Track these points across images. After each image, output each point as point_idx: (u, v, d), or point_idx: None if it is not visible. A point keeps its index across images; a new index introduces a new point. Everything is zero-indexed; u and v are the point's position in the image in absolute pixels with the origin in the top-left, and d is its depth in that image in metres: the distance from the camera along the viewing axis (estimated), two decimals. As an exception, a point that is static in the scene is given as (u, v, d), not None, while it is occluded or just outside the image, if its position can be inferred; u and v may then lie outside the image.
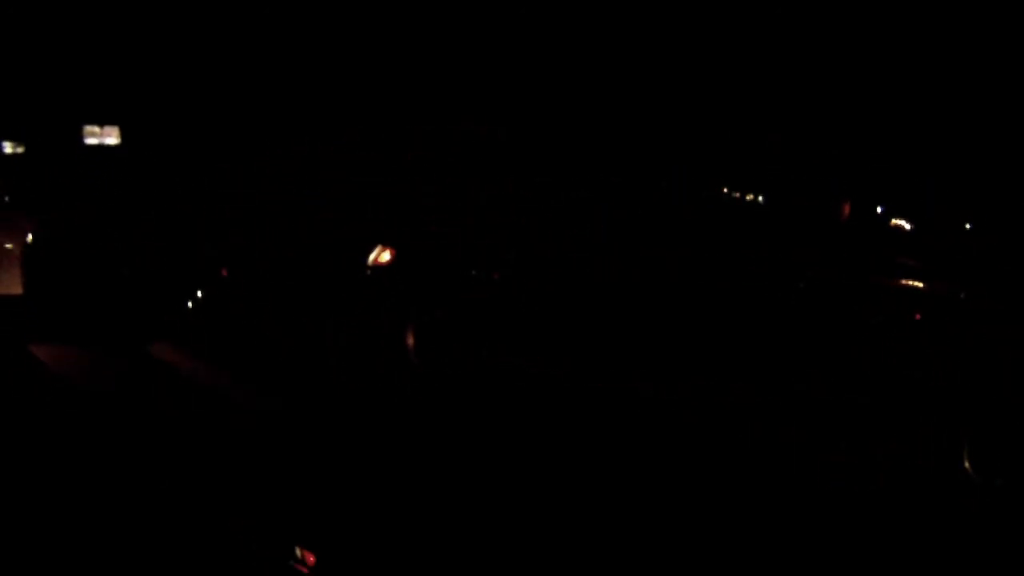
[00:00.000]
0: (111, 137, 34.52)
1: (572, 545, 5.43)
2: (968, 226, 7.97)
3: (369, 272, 10.00)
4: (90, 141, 34.04)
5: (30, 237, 13.28)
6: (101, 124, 35.27)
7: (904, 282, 7.53)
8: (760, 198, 8.96)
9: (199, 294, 11.91)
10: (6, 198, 34.46)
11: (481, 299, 9.28)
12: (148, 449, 7.10)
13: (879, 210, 8.37)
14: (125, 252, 12.26)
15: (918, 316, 7.12)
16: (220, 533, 5.36)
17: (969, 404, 6.32)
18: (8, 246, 16.30)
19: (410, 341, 9.52)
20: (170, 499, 5.79)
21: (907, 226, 7.88)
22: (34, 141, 39.11)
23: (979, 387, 6.36)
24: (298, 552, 5.24)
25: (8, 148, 48.88)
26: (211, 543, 5.22)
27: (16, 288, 13.45)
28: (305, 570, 5.12)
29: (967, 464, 6.13)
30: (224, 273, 11.94)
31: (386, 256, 9.93)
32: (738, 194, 9.14)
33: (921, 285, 7.46)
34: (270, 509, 5.74)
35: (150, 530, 5.39)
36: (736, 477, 6.48)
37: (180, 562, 5.01)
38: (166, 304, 11.91)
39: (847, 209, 8.07)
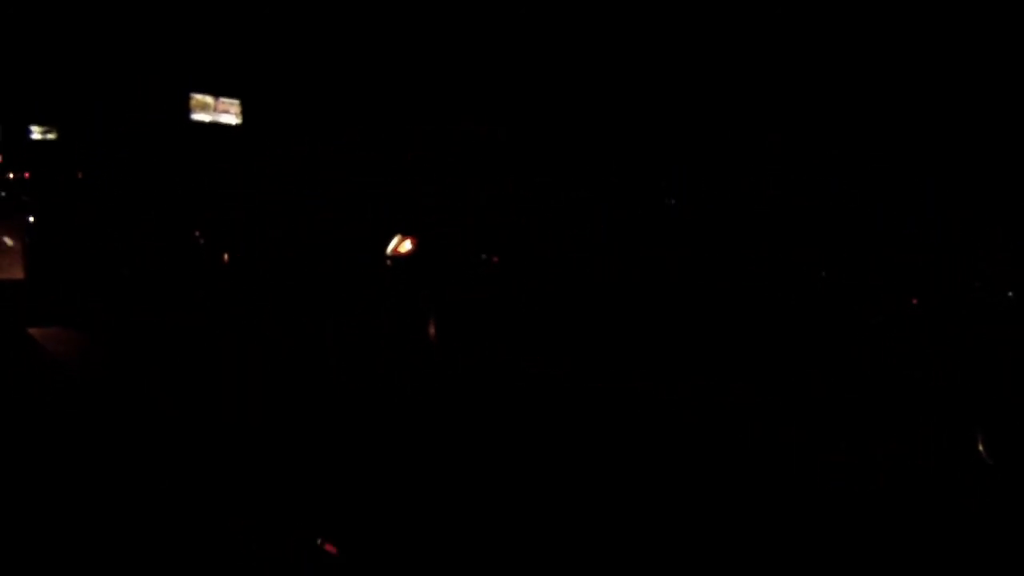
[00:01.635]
0: (228, 114, 31.33)
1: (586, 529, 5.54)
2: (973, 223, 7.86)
3: (389, 262, 10.22)
4: (199, 117, 30.80)
5: (31, 219, 13.93)
6: (216, 94, 31.55)
7: (914, 277, 7.53)
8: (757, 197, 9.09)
9: (197, 279, 12.42)
10: (2, 193, 32.85)
11: (492, 285, 9.52)
12: (142, 438, 7.22)
13: None
14: (123, 240, 12.85)
15: (915, 301, 7.25)
16: (220, 533, 5.31)
17: (983, 393, 6.50)
18: (8, 242, 17.46)
19: (431, 329, 9.70)
20: (170, 498, 5.78)
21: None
22: (73, 124, 36.34)
23: (992, 377, 6.51)
24: (319, 542, 5.33)
25: (36, 134, 45.30)
26: (211, 543, 5.17)
27: (17, 273, 14.17)
28: (334, 551, 5.27)
29: (981, 448, 6.31)
30: (225, 259, 12.41)
31: (407, 245, 10.11)
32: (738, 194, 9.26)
33: (931, 279, 7.46)
34: (271, 509, 5.68)
35: (149, 524, 5.39)
36: (741, 477, 6.51)
37: (180, 562, 4.96)
38: (166, 288, 12.46)
39: None
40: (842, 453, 6.78)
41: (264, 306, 11.85)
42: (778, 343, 7.92)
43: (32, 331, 10.75)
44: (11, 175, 42.03)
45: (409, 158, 12.80)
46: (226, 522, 5.42)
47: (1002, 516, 5.79)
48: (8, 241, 18.51)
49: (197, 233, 12.65)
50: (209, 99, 30.77)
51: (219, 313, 11.98)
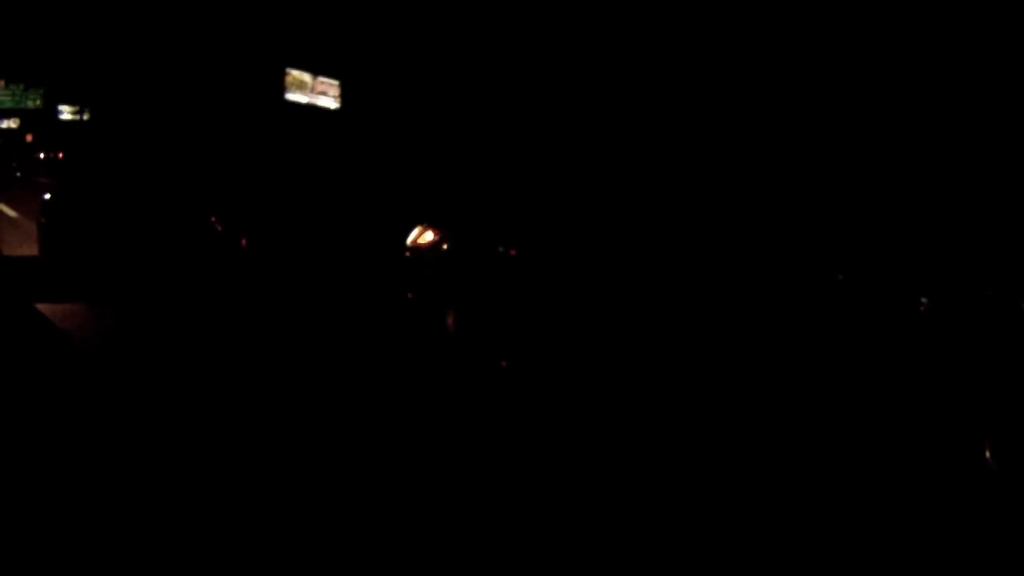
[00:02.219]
0: (327, 96, 28.40)
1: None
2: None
3: (409, 253, 10.32)
4: (295, 98, 27.85)
5: (47, 196, 14.26)
6: (315, 71, 28.43)
7: (920, 279, 7.61)
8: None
9: (208, 260, 12.54)
10: (18, 173, 34.08)
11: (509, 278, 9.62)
12: (141, 427, 7.30)
13: None
14: (137, 216, 12.94)
15: (922, 308, 7.37)
16: (221, 533, 5.37)
17: (991, 404, 6.67)
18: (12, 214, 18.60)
19: (450, 321, 9.85)
20: (170, 497, 5.83)
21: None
22: (110, 103, 34.61)
23: (1000, 388, 6.68)
24: None
25: (67, 114, 43.93)
26: (212, 543, 5.24)
27: (32, 249, 14.54)
28: None
29: (988, 455, 6.53)
30: (244, 243, 12.48)
31: (428, 236, 10.17)
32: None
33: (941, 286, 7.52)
34: (271, 508, 5.78)
35: (149, 522, 5.43)
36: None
37: (181, 562, 4.99)
38: (175, 265, 12.57)
39: None
40: (842, 454, 7.00)
41: (277, 296, 12.11)
42: (779, 344, 8.02)
43: (41, 306, 11.09)
44: (41, 155, 41.46)
45: (433, 149, 13.12)
46: (226, 522, 5.48)
47: (1005, 522, 5.99)
48: (12, 214, 19.92)
49: (214, 219, 12.72)
50: (307, 77, 28.26)
51: (230, 300, 12.27)
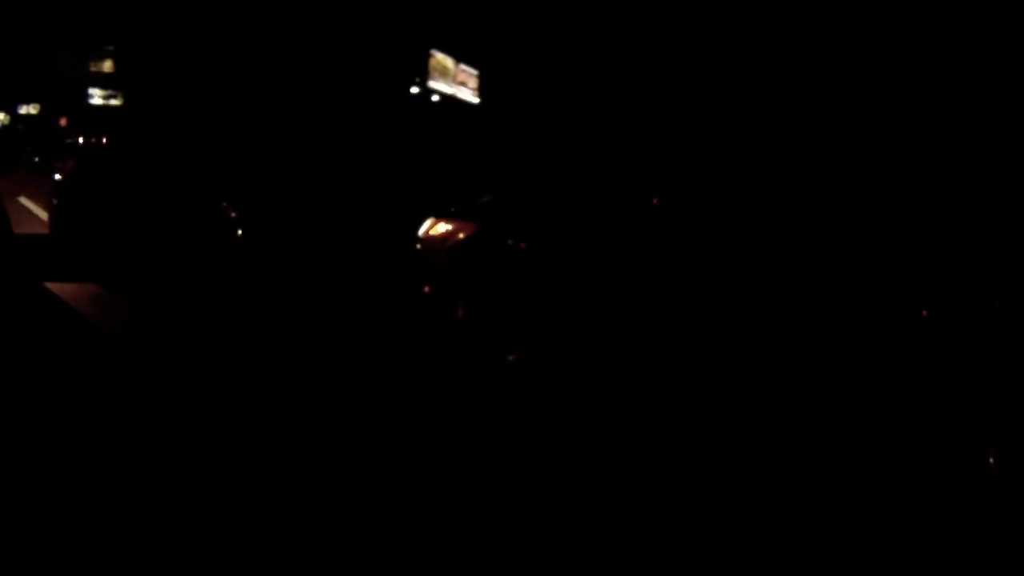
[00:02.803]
0: (466, 88, 26.05)
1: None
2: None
3: (419, 245, 10.21)
4: (437, 86, 24.96)
5: (57, 176, 14.58)
6: (458, 58, 26.19)
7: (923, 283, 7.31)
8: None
9: (217, 245, 12.51)
10: (36, 159, 33.41)
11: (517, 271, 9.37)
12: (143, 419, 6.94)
13: None
14: (148, 199, 12.89)
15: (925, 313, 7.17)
16: (220, 532, 5.09)
17: (995, 410, 6.49)
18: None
19: (460, 313, 9.55)
20: (169, 495, 5.41)
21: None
22: (152, 89, 31.84)
23: (1004, 393, 6.52)
24: None
25: (98, 98, 41.44)
26: (212, 543, 4.95)
27: (42, 228, 15.11)
28: None
29: (992, 461, 6.40)
30: (257, 229, 12.48)
31: (440, 228, 9.95)
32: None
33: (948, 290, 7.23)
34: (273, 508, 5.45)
35: (147, 521, 5.09)
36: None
37: (181, 562, 4.71)
38: (183, 250, 12.56)
39: None
40: (844, 456, 6.75)
41: (285, 284, 11.92)
42: (788, 343, 7.50)
43: (50, 285, 11.22)
44: (80, 139, 37.26)
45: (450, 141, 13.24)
46: (226, 521, 5.32)
47: (1008, 527, 5.97)
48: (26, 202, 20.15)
49: (225, 204, 12.62)
50: (450, 63, 24.76)
51: (238, 285, 11.97)
